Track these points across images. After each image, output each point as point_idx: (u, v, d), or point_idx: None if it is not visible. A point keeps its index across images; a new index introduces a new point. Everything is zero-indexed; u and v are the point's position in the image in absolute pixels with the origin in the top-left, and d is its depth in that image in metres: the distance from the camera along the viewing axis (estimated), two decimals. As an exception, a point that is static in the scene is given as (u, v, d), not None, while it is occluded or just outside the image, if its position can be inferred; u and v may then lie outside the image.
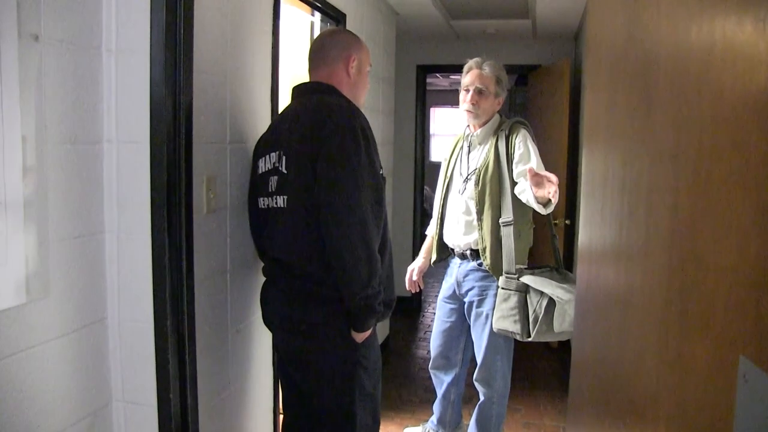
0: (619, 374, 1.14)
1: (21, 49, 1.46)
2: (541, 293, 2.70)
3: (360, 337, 2.00)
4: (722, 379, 0.66)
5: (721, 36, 0.68)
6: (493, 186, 2.79)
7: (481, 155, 2.88)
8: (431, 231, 3.18)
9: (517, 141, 2.77)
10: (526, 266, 2.78)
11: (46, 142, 1.55)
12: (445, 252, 3.08)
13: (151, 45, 1.77)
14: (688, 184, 0.77)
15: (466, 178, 2.90)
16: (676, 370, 0.81)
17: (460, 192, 2.92)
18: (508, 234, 2.75)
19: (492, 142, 2.85)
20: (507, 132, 2.82)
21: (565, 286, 2.72)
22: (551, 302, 2.67)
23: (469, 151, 2.96)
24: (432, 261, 3.15)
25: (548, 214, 2.88)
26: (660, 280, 0.88)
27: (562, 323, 2.65)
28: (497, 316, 2.78)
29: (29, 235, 1.51)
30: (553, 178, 2.47)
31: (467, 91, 2.89)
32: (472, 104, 2.87)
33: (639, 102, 1.01)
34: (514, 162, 2.76)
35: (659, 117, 0.90)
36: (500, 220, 2.77)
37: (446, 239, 3.01)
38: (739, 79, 0.63)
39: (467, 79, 2.91)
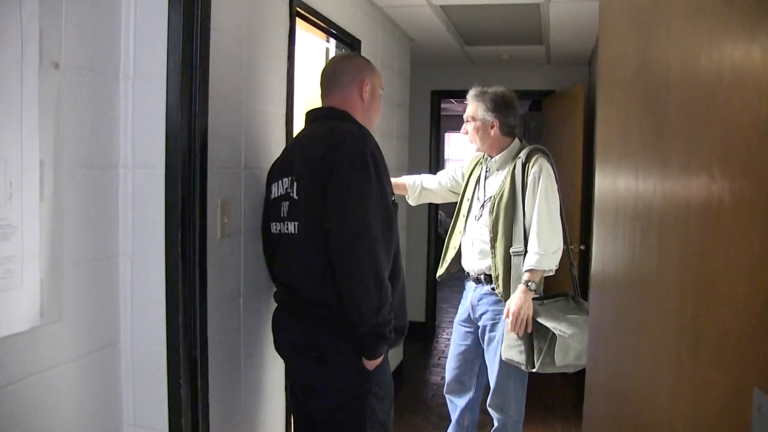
0: (632, 402, 1.12)
1: (41, 76, 1.49)
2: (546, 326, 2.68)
3: (371, 364, 1.98)
4: (737, 410, 0.65)
5: (729, 64, 0.68)
6: (507, 215, 2.78)
7: (498, 182, 2.88)
8: (408, 178, 3.25)
9: (532, 172, 2.76)
10: (538, 295, 2.76)
11: (63, 167, 1.57)
12: (455, 268, 3.06)
13: (167, 71, 1.79)
14: (699, 212, 0.77)
15: (482, 204, 2.90)
16: (690, 399, 0.80)
17: (476, 218, 2.91)
18: (518, 264, 2.74)
19: (509, 168, 2.84)
20: (524, 160, 2.81)
21: (572, 317, 2.69)
22: (555, 336, 2.64)
23: (486, 177, 2.96)
24: (438, 275, 3.14)
25: (566, 238, 2.86)
26: (672, 308, 0.87)
27: (565, 357, 2.63)
28: (505, 344, 2.76)
29: (44, 259, 1.52)
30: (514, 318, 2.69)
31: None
32: (465, 134, 2.95)
33: (650, 129, 1.01)
34: (526, 199, 2.76)
35: (670, 144, 0.90)
36: (511, 250, 2.76)
37: (463, 263, 3.01)
38: (748, 106, 0.63)
39: None
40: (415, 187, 3.20)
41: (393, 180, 3.07)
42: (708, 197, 0.74)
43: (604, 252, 1.40)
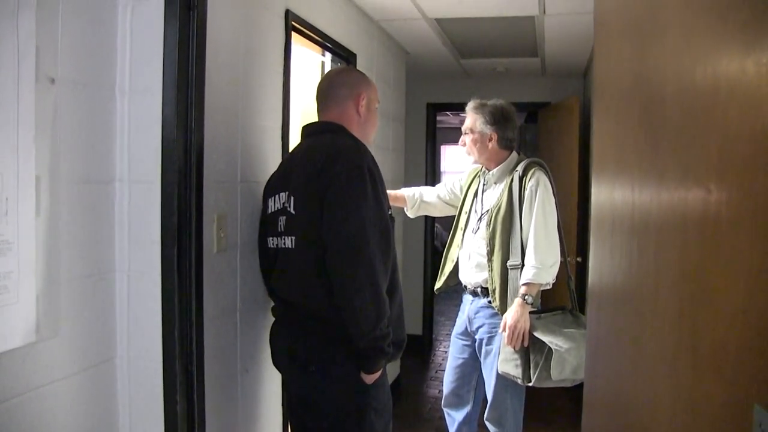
0: (631, 415, 1.12)
1: (38, 92, 1.48)
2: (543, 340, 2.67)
3: (369, 378, 1.97)
4: (737, 426, 0.65)
5: (724, 77, 0.68)
6: (504, 228, 2.77)
7: (495, 195, 2.88)
8: (408, 190, 3.24)
9: (529, 186, 2.76)
10: (535, 309, 2.75)
11: (59, 182, 1.57)
12: (454, 281, 3.06)
13: (163, 86, 1.79)
14: (697, 225, 0.77)
15: (480, 217, 2.90)
16: (689, 413, 0.80)
17: (474, 231, 2.91)
18: (514, 278, 2.73)
19: (507, 182, 2.84)
20: (521, 173, 2.81)
21: (568, 331, 2.68)
22: (551, 350, 2.63)
23: (484, 190, 2.96)
24: (436, 288, 3.13)
25: (563, 251, 2.85)
26: (671, 321, 0.87)
27: (562, 371, 2.62)
28: (501, 358, 2.75)
29: (40, 275, 1.51)
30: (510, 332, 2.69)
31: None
32: (462, 146, 2.95)
33: (646, 142, 1.01)
34: (523, 212, 2.76)
35: (666, 157, 0.90)
36: (508, 263, 2.75)
37: (460, 276, 3.00)
38: (744, 120, 0.63)
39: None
40: (415, 200, 3.20)
41: (392, 192, 3.07)
42: (705, 210, 0.75)
43: (601, 264, 1.40)
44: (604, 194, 1.39)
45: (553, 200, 2.78)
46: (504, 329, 2.70)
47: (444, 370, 3.20)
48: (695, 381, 0.77)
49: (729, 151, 0.68)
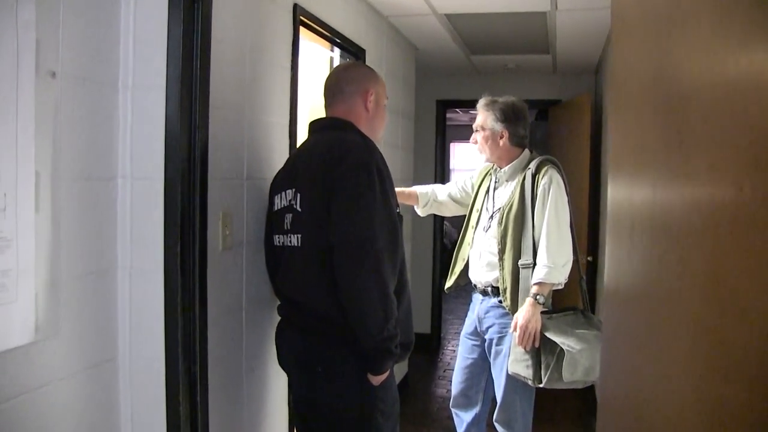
0: (650, 421, 1.07)
1: (38, 86, 1.45)
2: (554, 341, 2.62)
3: (376, 380, 1.93)
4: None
5: (761, 70, 0.63)
6: (516, 226, 2.73)
7: (507, 193, 2.83)
8: (421, 188, 3.19)
9: (542, 183, 2.71)
10: (546, 309, 2.70)
11: (59, 178, 1.54)
12: (464, 280, 3.01)
13: (167, 81, 1.76)
14: (727, 228, 0.72)
15: (491, 215, 2.86)
16: (718, 425, 0.75)
17: (485, 229, 2.87)
18: (526, 277, 2.69)
19: (519, 179, 2.80)
20: (534, 171, 2.77)
21: (581, 332, 2.63)
22: (563, 351, 2.59)
23: (495, 188, 2.92)
24: (446, 287, 3.09)
25: (576, 250, 2.80)
26: (696, 329, 0.82)
27: (573, 373, 2.57)
28: (511, 359, 2.71)
29: (40, 273, 1.48)
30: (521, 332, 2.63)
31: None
32: (474, 144, 2.91)
33: (668, 138, 0.96)
34: (535, 210, 2.71)
35: (692, 155, 0.85)
36: (519, 262, 2.71)
37: (470, 274, 2.96)
38: (784, 115, 0.59)
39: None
40: (428, 198, 3.15)
41: (404, 189, 3.04)
42: (736, 211, 0.70)
43: (618, 267, 1.36)
44: (621, 194, 1.34)
45: (566, 199, 2.74)
46: (515, 329, 2.65)
47: (452, 370, 3.16)
48: (725, 393, 0.72)
49: (765, 147, 0.63)
